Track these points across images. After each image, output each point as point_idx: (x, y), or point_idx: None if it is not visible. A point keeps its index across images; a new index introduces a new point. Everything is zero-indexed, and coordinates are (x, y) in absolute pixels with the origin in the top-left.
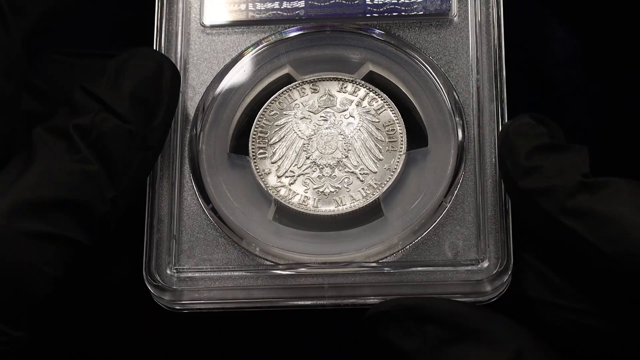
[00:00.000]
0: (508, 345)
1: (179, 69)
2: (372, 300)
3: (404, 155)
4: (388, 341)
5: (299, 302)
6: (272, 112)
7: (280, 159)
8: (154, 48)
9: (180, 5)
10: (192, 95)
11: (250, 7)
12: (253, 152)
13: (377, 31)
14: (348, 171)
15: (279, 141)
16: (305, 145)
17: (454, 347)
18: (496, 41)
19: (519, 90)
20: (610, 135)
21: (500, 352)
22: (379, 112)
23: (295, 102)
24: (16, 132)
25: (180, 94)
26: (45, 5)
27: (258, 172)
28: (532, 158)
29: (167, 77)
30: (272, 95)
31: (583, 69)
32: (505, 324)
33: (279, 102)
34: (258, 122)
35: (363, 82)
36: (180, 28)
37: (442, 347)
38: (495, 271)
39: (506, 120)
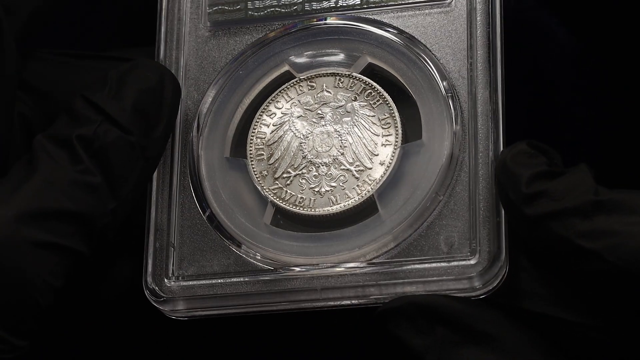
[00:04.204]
0: (518, 353)
1: (179, 71)
2: (369, 300)
3: (398, 149)
4: (397, 338)
5: (296, 305)
6: (270, 112)
7: (277, 160)
8: (155, 49)
9: (181, 5)
10: (192, 99)
11: (249, 5)
12: (251, 154)
13: (375, 22)
14: (344, 169)
15: (276, 142)
16: (302, 144)
17: (465, 349)
18: (491, 28)
19: (517, 91)
20: (609, 135)
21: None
22: (374, 106)
23: (293, 100)
24: (12, 133)
25: (180, 101)
26: (33, 5)
27: (255, 174)
28: (534, 184)
29: (168, 89)
30: (270, 95)
31: (582, 68)
32: (518, 330)
33: (277, 102)
34: (255, 124)
35: (359, 77)
36: (180, 29)
37: (452, 348)
38: (489, 265)
39: (500, 110)
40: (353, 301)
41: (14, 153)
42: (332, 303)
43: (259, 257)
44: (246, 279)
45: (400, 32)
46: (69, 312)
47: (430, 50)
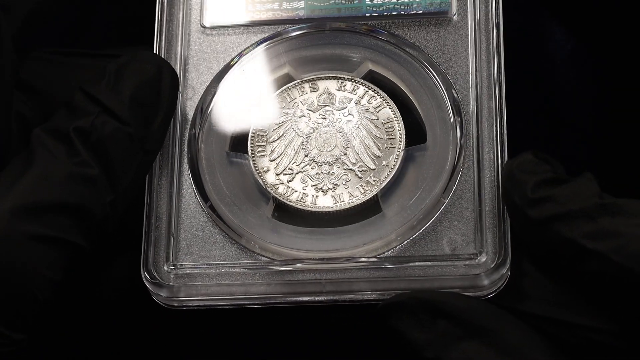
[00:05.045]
0: (520, 351)
1: (178, 69)
2: (371, 296)
3: (402, 152)
4: (399, 332)
5: (297, 299)
6: (272, 111)
7: (279, 156)
8: (154, 49)
9: (181, 6)
10: (192, 95)
11: (250, 7)
12: (252, 150)
13: (377, 30)
14: (346, 168)
15: (277, 139)
16: (304, 143)
17: (465, 343)
18: (495, 39)
19: (518, 91)
20: (609, 135)
21: (511, 357)
22: (377, 109)
23: (295, 100)
24: (10, 132)
25: (180, 95)
26: (32, 4)
27: (256, 170)
28: (540, 190)
29: (166, 81)
30: (272, 95)
31: (582, 70)
32: (520, 328)
33: (278, 101)
34: (257, 122)
35: (362, 81)
36: (180, 29)
37: (452, 342)
38: (493, 265)
39: (505, 119)
40: (356, 296)
41: (12, 152)
42: (335, 297)
43: (260, 249)
44: (246, 270)
45: (403, 41)
46: (69, 310)
47: (433, 59)
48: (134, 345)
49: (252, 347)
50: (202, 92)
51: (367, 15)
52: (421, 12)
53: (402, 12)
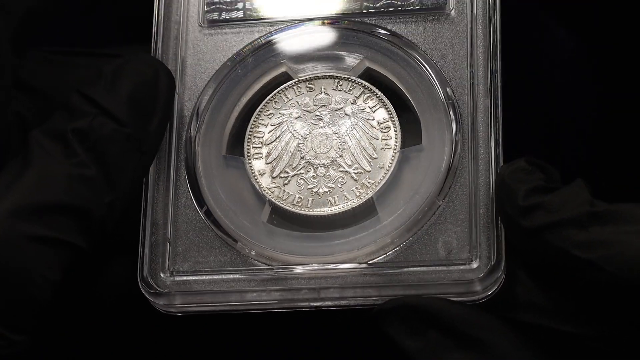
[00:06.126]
0: None
1: (176, 69)
2: (366, 301)
3: (398, 153)
4: (391, 339)
5: (293, 304)
6: (268, 112)
7: (274, 159)
8: (152, 48)
9: (179, 4)
10: (189, 96)
11: (248, 5)
12: (248, 153)
13: (374, 27)
14: (342, 170)
15: (274, 141)
16: (300, 145)
17: (456, 354)
18: (491, 36)
19: (518, 92)
20: (609, 136)
21: None
22: (374, 109)
23: (291, 101)
24: (8, 131)
25: (177, 96)
26: (30, 3)
27: (253, 173)
28: (530, 198)
29: (163, 82)
30: (268, 95)
31: (582, 70)
32: (511, 339)
33: (275, 102)
34: (253, 123)
35: (358, 80)
36: (178, 28)
37: (444, 353)
38: (487, 270)
39: (500, 117)
40: (351, 302)
41: (10, 153)
42: (329, 303)
43: (255, 255)
44: (242, 276)
45: (400, 38)
46: (68, 312)
47: (430, 57)
48: (131, 348)
49: (249, 353)
50: (199, 93)
51: (364, 11)
52: (418, 7)
53: (400, 8)
